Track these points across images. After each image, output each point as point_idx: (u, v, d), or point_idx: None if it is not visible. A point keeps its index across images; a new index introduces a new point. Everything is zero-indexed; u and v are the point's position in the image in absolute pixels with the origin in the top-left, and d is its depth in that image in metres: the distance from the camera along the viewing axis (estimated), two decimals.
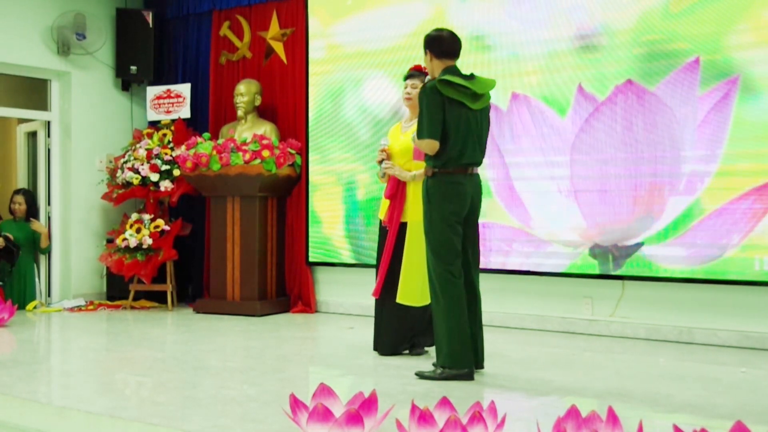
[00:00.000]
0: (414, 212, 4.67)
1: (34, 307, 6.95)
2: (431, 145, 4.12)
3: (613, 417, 2.79)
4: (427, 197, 4.20)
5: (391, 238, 4.74)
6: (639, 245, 5.46)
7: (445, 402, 2.97)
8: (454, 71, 4.21)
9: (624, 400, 3.73)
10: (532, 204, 5.86)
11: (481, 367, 4.35)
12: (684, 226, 5.31)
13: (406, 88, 4.85)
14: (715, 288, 5.26)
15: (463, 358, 4.11)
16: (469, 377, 4.12)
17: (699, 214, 5.25)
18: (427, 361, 4.55)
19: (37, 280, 7.22)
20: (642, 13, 5.47)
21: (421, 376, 4.19)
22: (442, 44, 4.24)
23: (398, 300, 4.71)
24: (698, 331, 5.34)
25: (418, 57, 6.33)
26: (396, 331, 4.82)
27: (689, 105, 5.29)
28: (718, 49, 5.20)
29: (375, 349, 4.88)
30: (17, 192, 7.30)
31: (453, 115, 4.13)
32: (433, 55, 4.25)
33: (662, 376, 4.33)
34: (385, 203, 4.83)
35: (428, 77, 4.47)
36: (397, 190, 4.75)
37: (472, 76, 4.24)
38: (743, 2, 5.14)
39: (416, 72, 4.88)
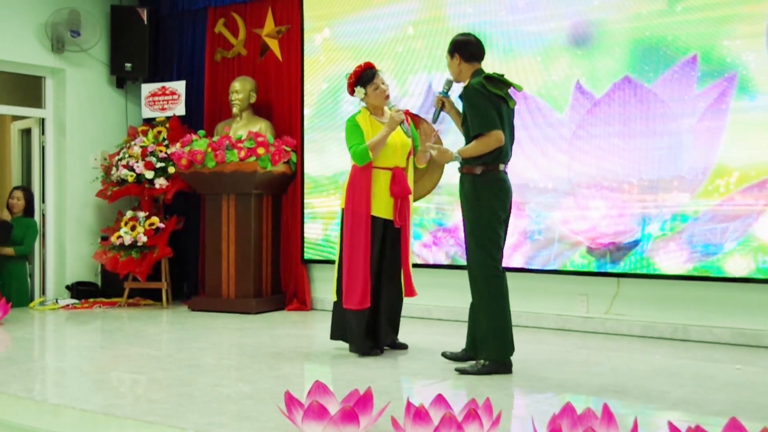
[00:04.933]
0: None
1: (40, 303, 7.00)
2: (498, 136, 4.20)
3: (608, 414, 2.79)
4: (475, 194, 4.25)
5: (405, 237, 4.79)
6: (636, 242, 5.47)
7: (440, 399, 2.97)
8: (484, 72, 4.35)
9: (619, 397, 3.74)
10: (528, 200, 5.86)
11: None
12: (680, 224, 5.31)
13: (376, 89, 4.76)
14: (711, 285, 5.28)
15: (509, 351, 4.26)
16: (509, 369, 4.25)
17: (695, 211, 5.26)
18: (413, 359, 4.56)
19: (28, 279, 7.20)
20: (639, 9, 5.47)
21: (462, 371, 4.22)
22: (471, 48, 4.39)
23: (408, 296, 4.83)
24: (693, 328, 5.35)
25: (415, 52, 6.36)
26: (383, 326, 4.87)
27: (687, 102, 5.29)
28: (716, 46, 5.20)
29: (368, 347, 4.81)
30: (16, 188, 7.29)
31: (498, 111, 4.25)
32: (462, 59, 4.38)
33: (657, 373, 4.33)
34: (383, 201, 4.73)
35: (447, 79, 4.55)
36: (407, 188, 4.78)
37: (503, 76, 4.37)
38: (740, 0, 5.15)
39: (375, 70, 4.83)
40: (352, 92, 4.85)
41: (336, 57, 6.80)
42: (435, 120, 4.64)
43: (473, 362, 4.29)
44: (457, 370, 4.26)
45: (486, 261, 4.25)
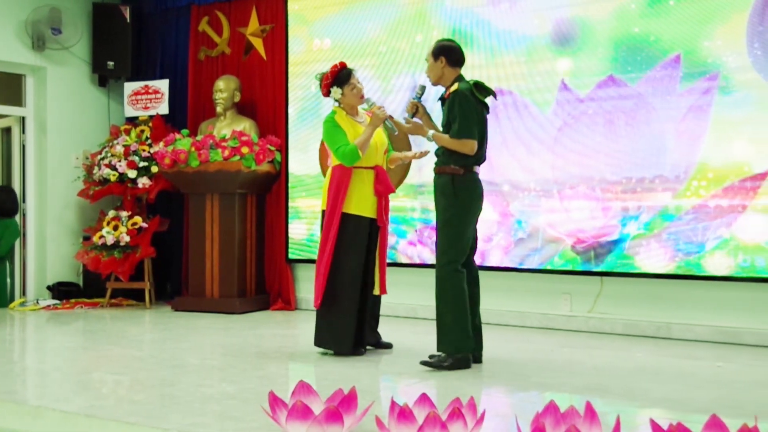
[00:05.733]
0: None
1: (21, 304, 6.97)
2: (472, 146, 4.33)
3: (591, 412, 2.80)
4: (454, 193, 4.35)
5: (385, 235, 4.83)
6: (618, 241, 5.50)
7: (424, 398, 2.97)
8: (464, 77, 4.49)
9: (602, 396, 3.76)
10: (513, 199, 5.88)
11: (480, 360, 4.49)
12: (662, 222, 5.35)
13: (353, 89, 4.74)
14: (692, 284, 5.32)
15: (468, 344, 4.33)
16: (469, 364, 4.34)
17: (678, 210, 5.30)
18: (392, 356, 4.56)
19: (8, 279, 7.13)
20: (623, 9, 5.49)
21: (428, 365, 4.30)
22: (456, 53, 4.51)
23: (382, 293, 4.84)
24: (675, 326, 5.38)
25: (399, 52, 6.36)
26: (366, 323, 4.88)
27: (670, 101, 5.33)
28: (698, 46, 5.24)
29: (357, 348, 4.82)
30: None
31: (481, 118, 4.41)
32: (447, 63, 4.47)
33: (640, 371, 4.36)
34: (369, 200, 4.72)
35: (420, 85, 4.62)
36: (391, 186, 4.79)
37: (483, 84, 4.51)
38: (722, 0, 5.18)
39: (351, 69, 4.82)
40: (327, 93, 4.82)
41: (320, 56, 6.79)
42: None
43: (437, 356, 4.38)
44: (422, 363, 4.33)
45: (454, 258, 4.35)
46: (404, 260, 6.32)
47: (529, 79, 5.84)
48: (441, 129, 4.47)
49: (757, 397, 3.77)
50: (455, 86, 4.38)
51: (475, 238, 4.54)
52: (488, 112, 4.51)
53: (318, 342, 4.82)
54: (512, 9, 5.92)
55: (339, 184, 4.69)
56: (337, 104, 4.84)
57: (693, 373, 4.33)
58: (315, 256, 6.60)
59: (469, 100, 4.32)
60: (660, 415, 3.31)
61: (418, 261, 6.29)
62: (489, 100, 4.51)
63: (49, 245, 7.44)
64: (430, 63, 4.50)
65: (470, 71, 5.91)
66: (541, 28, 5.80)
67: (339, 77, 4.77)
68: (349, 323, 4.71)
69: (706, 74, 5.20)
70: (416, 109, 4.59)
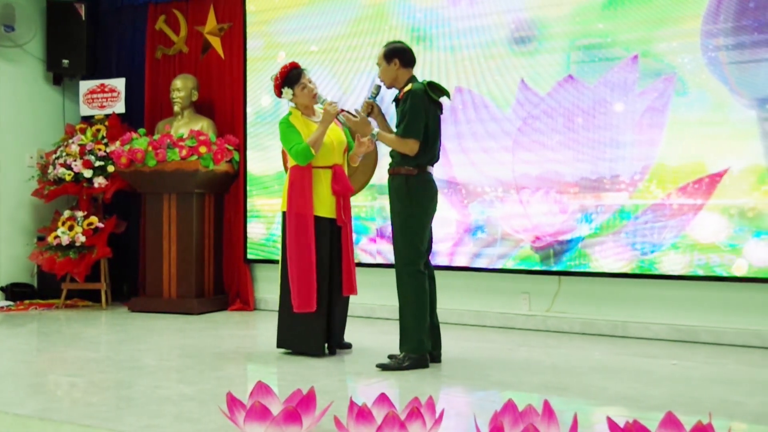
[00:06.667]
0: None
1: None
2: (413, 147, 4.33)
3: (548, 411, 2.81)
4: (408, 195, 4.36)
5: (349, 235, 4.79)
6: (576, 240, 5.55)
7: (383, 398, 2.97)
8: (416, 78, 4.50)
9: (560, 394, 3.79)
10: (472, 199, 5.91)
11: (439, 360, 4.50)
12: (620, 222, 5.42)
13: (304, 88, 4.69)
14: (649, 283, 5.39)
15: (426, 345, 4.37)
16: (427, 363, 4.37)
17: (635, 209, 5.37)
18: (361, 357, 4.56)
19: None
20: (581, 9, 5.55)
21: (384, 368, 4.30)
22: (408, 55, 4.53)
23: (349, 293, 4.81)
24: (632, 325, 5.46)
25: (357, 50, 6.35)
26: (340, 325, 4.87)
27: (628, 102, 5.40)
28: (655, 47, 5.32)
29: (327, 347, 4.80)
30: None
31: (434, 117, 4.42)
32: (401, 65, 4.47)
33: (597, 370, 4.40)
34: (327, 200, 4.68)
35: (375, 85, 4.60)
36: (349, 185, 4.78)
37: (439, 84, 4.52)
38: (677, 1, 5.26)
39: (301, 69, 4.78)
40: (279, 94, 4.79)
41: (279, 55, 6.75)
42: None
43: (394, 357, 4.40)
44: (378, 366, 4.33)
45: (414, 259, 4.37)
46: (364, 259, 6.31)
47: (489, 79, 5.87)
48: (395, 129, 4.47)
49: (712, 394, 3.83)
50: (409, 86, 4.39)
51: (431, 238, 4.54)
52: (442, 112, 4.52)
53: (286, 343, 4.76)
54: (472, 8, 5.95)
55: (295, 185, 4.65)
56: (292, 105, 4.82)
57: (649, 371, 4.40)
58: (274, 257, 6.67)
59: (422, 99, 4.32)
60: (617, 412, 3.35)
61: (379, 258, 6.29)
62: (444, 100, 4.52)
63: (2, 245, 7.29)
64: (383, 67, 4.48)
65: (429, 70, 5.96)
66: (500, 27, 5.84)
67: (289, 78, 4.73)
68: (321, 324, 4.68)
69: (664, 74, 5.29)
70: (371, 108, 4.59)
